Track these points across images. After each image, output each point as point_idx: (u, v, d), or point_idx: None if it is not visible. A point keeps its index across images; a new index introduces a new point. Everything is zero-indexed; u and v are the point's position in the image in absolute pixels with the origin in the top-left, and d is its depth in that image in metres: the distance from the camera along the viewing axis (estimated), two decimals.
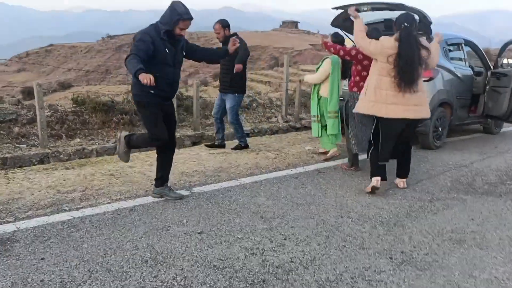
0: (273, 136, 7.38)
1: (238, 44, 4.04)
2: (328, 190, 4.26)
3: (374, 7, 5.67)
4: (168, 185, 3.99)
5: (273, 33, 56.43)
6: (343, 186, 4.41)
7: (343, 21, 6.32)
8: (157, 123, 3.68)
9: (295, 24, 66.98)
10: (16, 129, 6.07)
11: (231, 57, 5.06)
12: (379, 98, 4.05)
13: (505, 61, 6.97)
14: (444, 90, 6.17)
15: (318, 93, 5.51)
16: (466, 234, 3.30)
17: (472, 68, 7.18)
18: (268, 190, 4.20)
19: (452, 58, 6.63)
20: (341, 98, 5.51)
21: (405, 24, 3.99)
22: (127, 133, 3.98)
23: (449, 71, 6.30)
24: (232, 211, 3.62)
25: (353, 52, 4.67)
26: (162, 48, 3.52)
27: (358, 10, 5.85)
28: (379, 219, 3.53)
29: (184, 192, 4.04)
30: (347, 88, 5.08)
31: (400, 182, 4.46)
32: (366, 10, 5.63)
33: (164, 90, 3.67)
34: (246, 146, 6.07)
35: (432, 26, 5.87)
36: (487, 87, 6.93)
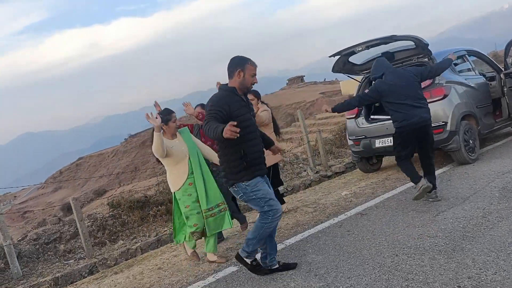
0: (307, 190, 7.33)
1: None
2: (376, 231, 4.13)
3: (369, 45, 5.86)
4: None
5: (281, 92, 57.69)
6: (389, 223, 4.28)
7: (343, 65, 6.52)
8: None
9: (300, 78, 68.63)
10: (61, 247, 6.24)
11: None
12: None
13: None
14: (462, 103, 6.11)
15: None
16: None
17: (484, 75, 7.15)
18: (315, 245, 4.12)
19: (460, 71, 6.65)
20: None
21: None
22: (424, 181, 4.58)
23: (461, 83, 6.29)
24: (285, 276, 3.53)
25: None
26: None
27: (354, 52, 6.08)
28: (436, 248, 3.38)
29: (233, 268, 3.99)
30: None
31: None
32: (361, 50, 5.82)
33: None
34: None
35: (432, 46, 5.98)
36: (505, 89, 6.84)
